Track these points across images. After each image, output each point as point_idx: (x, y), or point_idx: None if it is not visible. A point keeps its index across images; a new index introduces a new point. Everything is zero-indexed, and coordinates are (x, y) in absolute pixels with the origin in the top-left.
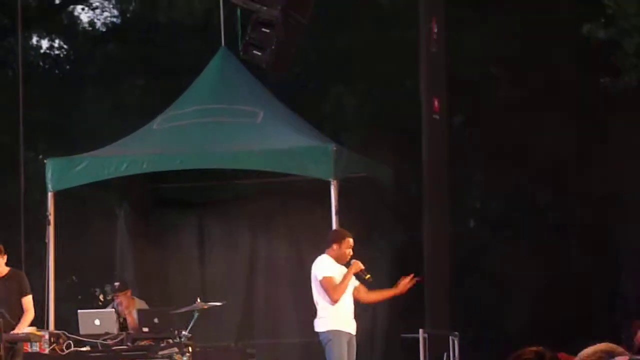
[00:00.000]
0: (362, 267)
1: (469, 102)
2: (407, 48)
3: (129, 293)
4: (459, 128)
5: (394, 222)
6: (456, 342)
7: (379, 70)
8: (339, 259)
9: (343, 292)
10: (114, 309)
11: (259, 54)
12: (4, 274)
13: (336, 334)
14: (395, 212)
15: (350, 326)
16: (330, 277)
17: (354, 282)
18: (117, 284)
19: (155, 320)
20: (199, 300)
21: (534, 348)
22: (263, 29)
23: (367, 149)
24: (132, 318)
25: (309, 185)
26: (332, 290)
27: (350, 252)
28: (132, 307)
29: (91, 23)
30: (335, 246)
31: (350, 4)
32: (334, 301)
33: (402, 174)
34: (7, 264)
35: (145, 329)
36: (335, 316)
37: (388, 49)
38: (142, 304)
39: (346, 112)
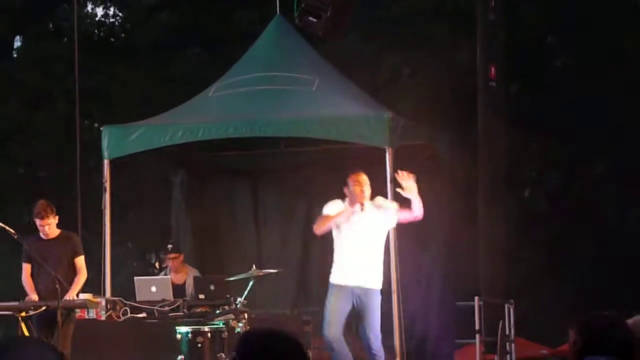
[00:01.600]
0: (362, 202)
1: (526, 69)
2: (463, 16)
3: (180, 258)
4: (516, 96)
5: (450, 190)
6: (512, 310)
7: (435, 38)
8: (352, 201)
9: (324, 223)
10: (164, 273)
11: (315, 20)
12: (55, 235)
13: (332, 288)
14: (452, 180)
15: (353, 279)
16: (321, 214)
17: (375, 223)
18: (170, 246)
19: (212, 287)
20: (254, 267)
21: (605, 313)
22: None
23: (423, 117)
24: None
25: (365, 154)
26: (316, 221)
27: (361, 189)
28: (182, 272)
29: None
30: (345, 189)
31: None
32: (315, 230)
33: (459, 141)
34: (59, 228)
35: (202, 296)
36: (336, 268)
37: (444, 17)
38: (194, 272)
39: (402, 80)
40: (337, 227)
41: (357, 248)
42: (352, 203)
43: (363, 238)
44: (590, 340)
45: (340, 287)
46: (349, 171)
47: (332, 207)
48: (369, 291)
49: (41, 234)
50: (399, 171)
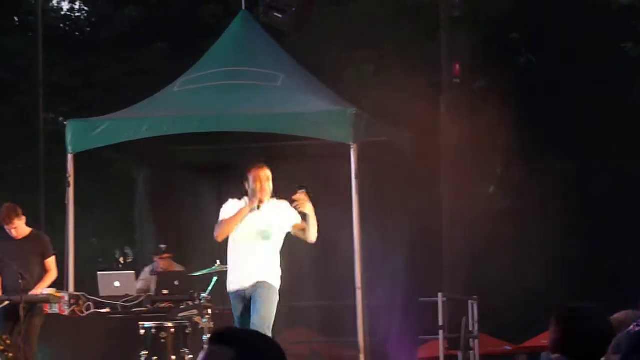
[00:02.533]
0: (260, 200)
1: (490, 67)
2: (427, 13)
3: (170, 257)
4: (480, 92)
5: (413, 187)
6: (475, 306)
7: (399, 35)
8: (251, 198)
9: (224, 230)
10: (151, 270)
11: (280, 16)
12: (25, 234)
13: (232, 299)
14: (415, 177)
15: (247, 282)
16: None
17: (263, 231)
18: (163, 246)
19: (175, 282)
20: (218, 262)
21: (584, 305)
22: None
23: (387, 114)
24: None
25: (328, 150)
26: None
27: (262, 186)
28: (171, 269)
29: None
30: (245, 184)
31: None
32: (216, 237)
33: (422, 138)
34: (27, 225)
35: (165, 291)
36: (230, 271)
37: (408, 13)
38: (180, 268)
39: (366, 77)
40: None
41: (251, 249)
42: (251, 200)
43: (258, 238)
44: (567, 330)
45: (237, 296)
46: (251, 165)
47: (230, 209)
48: (259, 283)
49: (10, 233)
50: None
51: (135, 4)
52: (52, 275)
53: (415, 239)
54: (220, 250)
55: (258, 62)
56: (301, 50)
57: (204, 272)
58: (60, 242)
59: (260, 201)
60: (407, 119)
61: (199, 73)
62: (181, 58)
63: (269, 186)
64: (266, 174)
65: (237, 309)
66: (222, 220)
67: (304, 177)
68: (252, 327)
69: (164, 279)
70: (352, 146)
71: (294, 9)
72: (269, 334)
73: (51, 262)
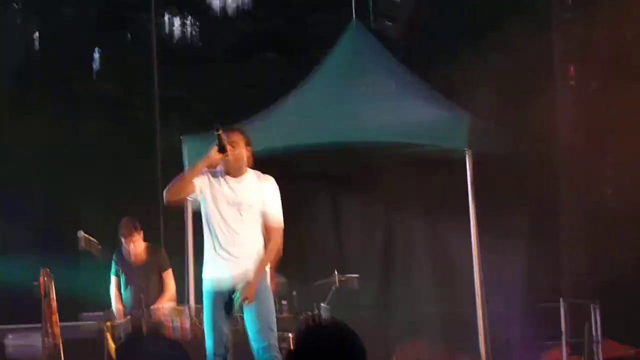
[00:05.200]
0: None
1: (605, 69)
2: (540, 15)
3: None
4: (595, 95)
5: (529, 191)
6: (597, 311)
7: (511, 38)
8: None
9: (176, 186)
10: None
11: (390, 24)
12: (142, 249)
13: (206, 294)
14: (531, 181)
15: (229, 275)
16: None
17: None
18: None
19: (294, 292)
20: (336, 272)
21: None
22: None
23: (502, 120)
24: None
25: (444, 157)
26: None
27: (233, 148)
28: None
29: (222, 0)
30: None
31: None
32: (166, 198)
33: (538, 142)
34: (144, 241)
35: (284, 302)
36: (207, 260)
37: (519, 16)
38: (281, 279)
39: (479, 83)
40: (207, 202)
41: (231, 228)
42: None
43: (238, 213)
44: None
45: (213, 291)
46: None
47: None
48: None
49: (128, 249)
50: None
51: (245, 17)
52: (171, 288)
53: (533, 244)
54: (340, 260)
55: (370, 71)
56: (412, 55)
57: (323, 281)
58: (179, 256)
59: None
60: (521, 122)
61: (312, 84)
62: (293, 69)
63: (244, 152)
64: (241, 137)
65: (210, 306)
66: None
67: (419, 184)
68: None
69: (282, 290)
70: (467, 152)
71: (404, 17)
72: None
73: (168, 275)
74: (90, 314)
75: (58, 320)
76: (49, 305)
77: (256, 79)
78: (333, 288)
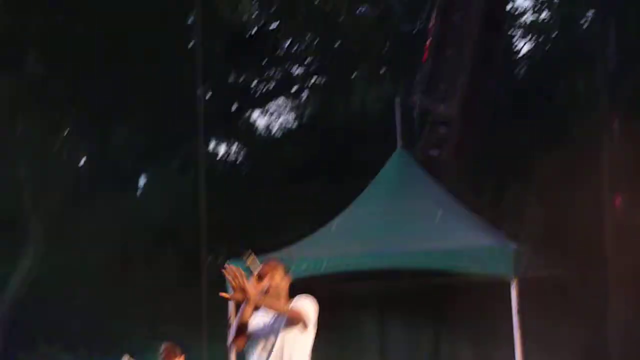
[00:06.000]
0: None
1: None
2: (588, 143)
3: None
4: None
5: (578, 320)
6: None
7: (557, 166)
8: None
9: (234, 335)
10: None
11: (437, 153)
12: None
13: None
14: (580, 310)
15: None
16: None
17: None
18: None
19: None
20: None
21: None
22: (440, 128)
23: (548, 246)
24: None
25: (489, 284)
26: None
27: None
28: None
29: (268, 127)
30: None
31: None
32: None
33: (586, 271)
34: None
35: None
36: None
37: (568, 143)
38: None
39: (525, 210)
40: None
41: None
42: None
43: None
44: None
45: None
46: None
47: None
48: None
49: None
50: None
51: (292, 143)
52: None
53: None
54: None
55: (415, 199)
56: (458, 185)
57: None
58: None
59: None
60: (570, 252)
61: (356, 211)
62: (339, 195)
63: (267, 279)
64: (266, 269)
65: None
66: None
67: (464, 311)
68: None
69: None
70: (512, 281)
71: (450, 146)
72: None
73: None
74: None
75: None
76: None
77: (303, 205)
78: None
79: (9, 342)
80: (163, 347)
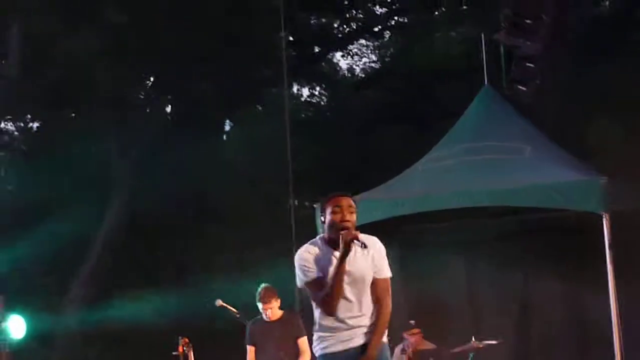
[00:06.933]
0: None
1: None
2: None
3: (420, 333)
4: None
5: None
6: None
7: None
8: (331, 237)
9: (332, 302)
10: (402, 348)
11: (524, 89)
12: (278, 316)
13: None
14: None
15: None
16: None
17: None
18: (412, 322)
19: (431, 359)
20: (473, 339)
21: None
22: (526, 64)
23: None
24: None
25: (580, 220)
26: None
27: (343, 216)
28: (421, 347)
29: (350, 70)
30: (321, 220)
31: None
32: (328, 314)
33: None
34: (280, 309)
35: None
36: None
37: None
38: (431, 346)
39: (614, 144)
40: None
41: (350, 303)
42: (332, 240)
43: (358, 285)
44: None
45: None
46: (327, 197)
47: (312, 269)
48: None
49: (264, 316)
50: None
51: (376, 86)
52: (307, 355)
53: None
54: (476, 326)
55: (503, 136)
56: (546, 121)
57: (461, 348)
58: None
59: (354, 236)
60: None
61: (444, 150)
62: (424, 139)
63: (353, 217)
64: (348, 202)
65: None
66: (325, 293)
67: (555, 249)
68: None
69: (420, 357)
70: (604, 216)
71: (538, 81)
72: None
73: (304, 342)
74: None
75: None
76: None
77: (386, 149)
78: (471, 355)
79: (103, 286)
80: (261, 289)
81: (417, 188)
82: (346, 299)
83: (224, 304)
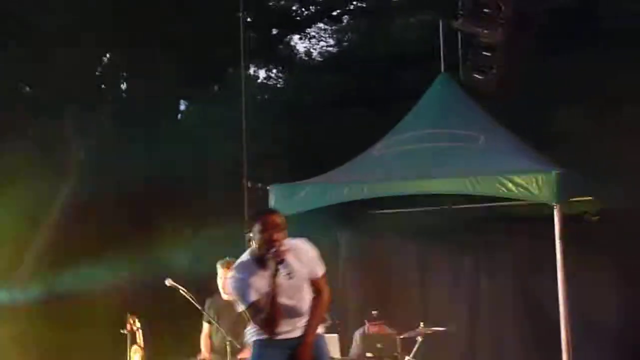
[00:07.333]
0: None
1: None
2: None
3: (383, 323)
4: None
5: (626, 247)
6: None
7: (609, 88)
8: (261, 254)
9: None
10: (362, 333)
11: (480, 77)
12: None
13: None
14: (629, 237)
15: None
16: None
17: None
18: (375, 312)
19: (379, 344)
20: (422, 325)
21: None
22: (484, 53)
23: (598, 170)
24: None
25: (531, 211)
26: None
27: (271, 235)
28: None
29: (308, 53)
30: (249, 237)
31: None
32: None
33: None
34: None
35: (369, 354)
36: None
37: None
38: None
39: (573, 136)
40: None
41: (290, 308)
42: (262, 259)
43: (296, 295)
44: None
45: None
46: (255, 215)
47: (247, 294)
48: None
49: (222, 294)
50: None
51: (331, 70)
52: None
53: (630, 296)
54: (426, 312)
55: (458, 124)
56: (502, 111)
57: (409, 334)
58: None
59: (279, 255)
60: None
61: (398, 136)
62: (380, 123)
63: (283, 234)
64: (277, 220)
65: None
66: (251, 312)
67: (506, 239)
68: None
69: (367, 341)
70: (555, 207)
71: (494, 70)
72: None
73: None
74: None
75: None
76: (138, 351)
77: (343, 132)
78: (419, 340)
79: (54, 261)
80: (224, 262)
81: (373, 173)
82: (285, 306)
83: (174, 284)
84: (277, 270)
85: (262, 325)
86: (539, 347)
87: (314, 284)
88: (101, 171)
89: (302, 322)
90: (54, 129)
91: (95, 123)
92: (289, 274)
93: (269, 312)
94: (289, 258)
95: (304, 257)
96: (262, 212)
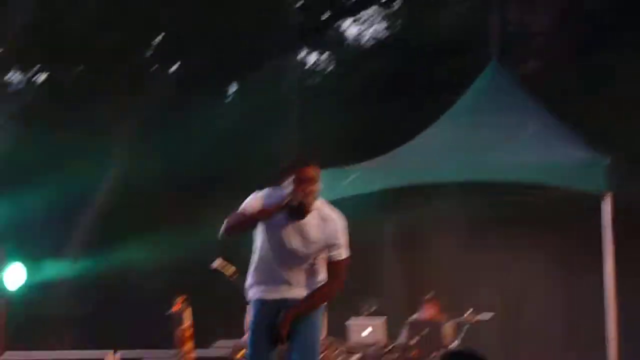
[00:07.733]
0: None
1: None
2: None
3: (438, 305)
4: None
5: None
6: None
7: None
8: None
9: (237, 223)
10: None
11: (532, 65)
12: None
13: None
14: None
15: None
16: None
17: None
18: (428, 296)
19: (426, 331)
20: (469, 311)
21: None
22: (534, 40)
23: None
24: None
25: (581, 200)
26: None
27: (305, 188)
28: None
29: (357, 38)
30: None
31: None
32: (225, 232)
33: None
34: None
35: (414, 340)
36: (254, 281)
37: None
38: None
39: (622, 125)
40: (263, 229)
41: (284, 264)
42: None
43: (294, 253)
44: None
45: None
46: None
47: (252, 201)
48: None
49: None
50: None
51: (382, 57)
52: None
53: None
54: (472, 300)
55: (508, 112)
56: (553, 98)
57: (455, 320)
58: None
59: (302, 204)
60: None
61: (447, 124)
62: (428, 111)
63: (316, 187)
64: (314, 173)
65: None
66: (239, 212)
67: (555, 228)
68: None
69: (414, 328)
70: (605, 196)
71: (546, 58)
72: None
73: None
74: (225, 341)
75: (193, 348)
76: (184, 333)
77: (392, 118)
78: (465, 327)
79: (103, 238)
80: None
81: (421, 160)
82: (275, 254)
83: (221, 263)
84: (294, 207)
85: (228, 219)
86: (583, 340)
87: (331, 266)
88: (149, 154)
89: (290, 290)
90: (105, 112)
91: (144, 106)
92: (301, 233)
93: (243, 218)
94: (313, 220)
95: (328, 228)
96: (301, 163)
